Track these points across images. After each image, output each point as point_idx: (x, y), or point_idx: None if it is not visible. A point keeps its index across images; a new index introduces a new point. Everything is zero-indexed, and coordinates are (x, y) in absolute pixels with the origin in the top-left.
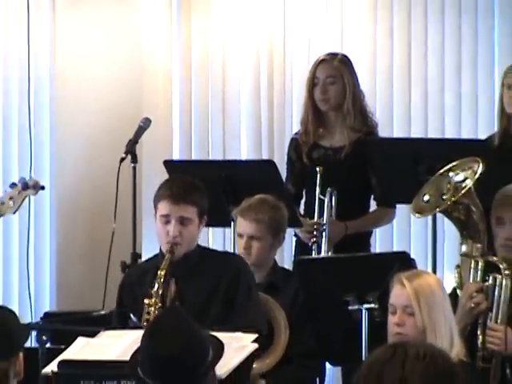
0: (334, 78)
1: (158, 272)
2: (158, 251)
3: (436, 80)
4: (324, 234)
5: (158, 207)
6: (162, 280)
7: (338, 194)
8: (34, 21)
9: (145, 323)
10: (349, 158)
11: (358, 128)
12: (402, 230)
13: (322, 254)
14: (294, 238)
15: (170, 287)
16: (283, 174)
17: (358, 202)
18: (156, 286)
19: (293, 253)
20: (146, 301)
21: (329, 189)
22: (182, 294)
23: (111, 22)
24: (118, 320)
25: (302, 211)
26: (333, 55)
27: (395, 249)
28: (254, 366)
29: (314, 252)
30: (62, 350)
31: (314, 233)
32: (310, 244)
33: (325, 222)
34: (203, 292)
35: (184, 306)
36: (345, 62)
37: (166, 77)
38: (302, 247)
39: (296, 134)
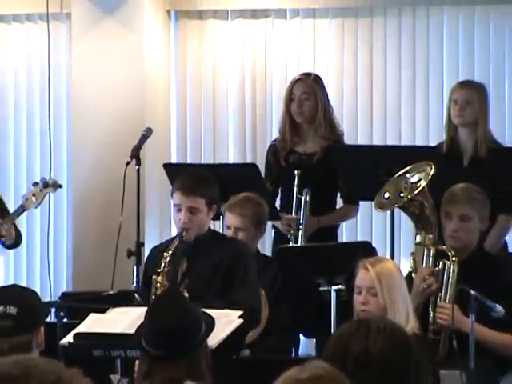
0: (308, 95)
1: (164, 253)
2: (158, 240)
3: (394, 96)
4: (301, 226)
5: (172, 197)
6: (167, 260)
7: (311, 193)
8: (53, 45)
9: (153, 296)
10: (320, 162)
11: (327, 137)
12: (364, 223)
13: (299, 244)
14: (273, 230)
15: (182, 265)
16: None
17: (327, 200)
18: (162, 265)
19: (272, 242)
20: (154, 277)
21: (305, 189)
22: (191, 271)
23: (119, 47)
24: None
25: (278, 206)
26: (307, 75)
27: (359, 239)
28: None
29: (291, 242)
30: (77, 325)
31: (292, 226)
32: (288, 235)
33: (301, 216)
34: (208, 269)
35: (192, 280)
36: (317, 80)
37: (165, 93)
38: (280, 237)
39: (274, 141)
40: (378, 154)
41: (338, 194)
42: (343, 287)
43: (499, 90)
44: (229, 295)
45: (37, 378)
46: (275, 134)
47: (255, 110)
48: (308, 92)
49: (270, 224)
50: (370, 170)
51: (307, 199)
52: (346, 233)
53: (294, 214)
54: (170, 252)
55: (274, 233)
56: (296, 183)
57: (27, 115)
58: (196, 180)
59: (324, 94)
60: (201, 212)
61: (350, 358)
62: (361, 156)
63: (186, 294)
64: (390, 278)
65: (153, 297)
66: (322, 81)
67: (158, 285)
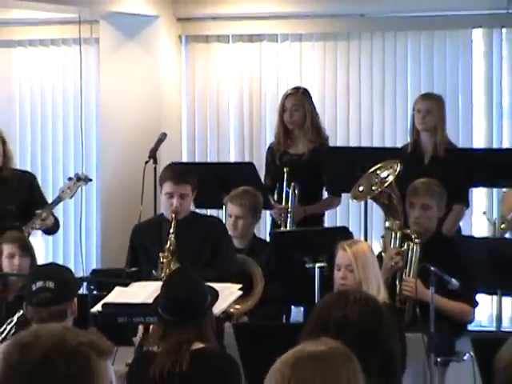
0: (298, 106)
1: (169, 235)
2: None
3: (367, 106)
4: (289, 215)
5: (163, 186)
6: (173, 239)
7: (300, 187)
8: (84, 64)
9: (160, 270)
10: (307, 161)
11: (314, 140)
12: (343, 211)
13: (288, 229)
14: (271, 217)
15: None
16: (260, 172)
17: (314, 192)
18: (168, 244)
19: (268, 227)
20: (161, 254)
21: (292, 184)
22: (180, 245)
23: (139, 66)
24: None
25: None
26: (297, 89)
27: (338, 224)
28: (240, 306)
29: (281, 227)
30: (105, 296)
31: (282, 214)
32: (279, 222)
33: (289, 206)
34: (195, 243)
35: (182, 253)
36: (305, 94)
37: (177, 104)
38: (274, 223)
39: (271, 144)
40: (354, 154)
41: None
42: (325, 264)
43: (454, 101)
44: (216, 265)
45: (43, 339)
46: (269, 138)
47: (252, 118)
48: (297, 104)
49: (265, 212)
50: (347, 167)
51: (295, 192)
52: (328, 219)
53: (283, 204)
54: (173, 234)
55: (271, 220)
56: (285, 178)
57: (63, 122)
58: (183, 171)
59: (311, 104)
60: (188, 197)
61: (331, 323)
62: (340, 156)
63: (178, 265)
64: (364, 256)
65: (160, 270)
66: (309, 94)
67: (164, 260)
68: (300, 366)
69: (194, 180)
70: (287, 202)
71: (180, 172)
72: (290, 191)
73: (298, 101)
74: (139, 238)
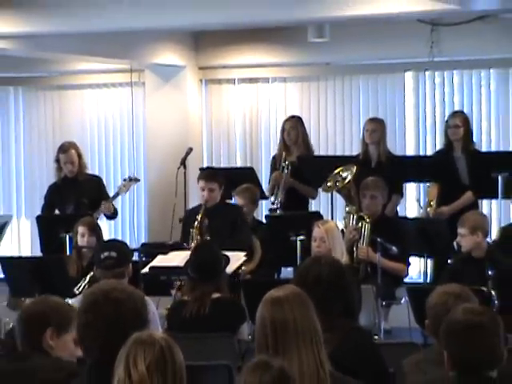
0: (293, 128)
1: (197, 216)
2: None
3: (332, 127)
4: (280, 187)
5: (198, 182)
6: (200, 219)
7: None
8: (135, 101)
9: (191, 241)
10: (298, 167)
11: (304, 152)
12: (316, 200)
13: (278, 214)
14: (265, 206)
15: (205, 222)
16: (258, 174)
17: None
18: (196, 223)
19: (263, 212)
20: (191, 230)
21: (286, 162)
22: (210, 226)
23: (173, 101)
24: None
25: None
26: (293, 116)
27: (313, 210)
28: (244, 268)
29: (273, 196)
30: (150, 261)
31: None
32: (274, 191)
33: (284, 176)
34: (220, 224)
35: (211, 231)
36: (299, 120)
37: (199, 128)
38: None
39: (274, 155)
40: (324, 160)
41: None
42: (305, 238)
43: (392, 123)
44: (235, 239)
45: (132, 298)
46: (264, 150)
47: (252, 136)
48: (293, 126)
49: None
50: (319, 170)
51: (288, 167)
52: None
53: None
54: (200, 216)
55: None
56: (282, 160)
57: (120, 142)
58: (211, 172)
59: (303, 127)
60: (216, 191)
61: (310, 278)
62: (315, 162)
63: (209, 238)
64: (332, 231)
65: (191, 241)
66: (301, 120)
67: (194, 234)
68: (274, 307)
69: (220, 178)
70: (282, 171)
71: (209, 173)
72: (285, 166)
73: (294, 124)
74: (187, 219)
